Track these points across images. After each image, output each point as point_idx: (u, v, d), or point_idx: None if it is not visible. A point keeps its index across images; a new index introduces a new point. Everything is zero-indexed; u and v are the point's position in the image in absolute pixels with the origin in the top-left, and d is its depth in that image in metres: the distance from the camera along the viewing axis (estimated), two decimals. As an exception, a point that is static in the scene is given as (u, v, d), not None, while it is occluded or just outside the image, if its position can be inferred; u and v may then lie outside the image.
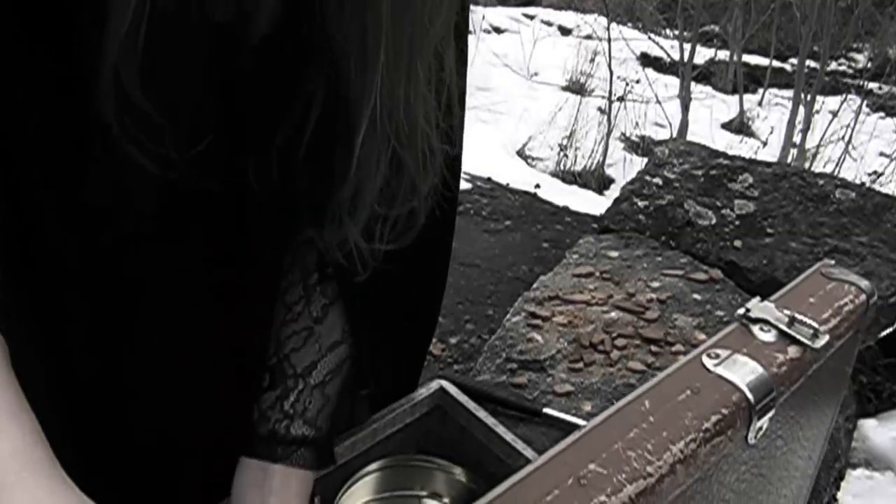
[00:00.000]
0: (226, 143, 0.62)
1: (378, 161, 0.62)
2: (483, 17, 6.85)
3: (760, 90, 6.26)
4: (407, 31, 0.58)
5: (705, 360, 0.55)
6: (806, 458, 0.68)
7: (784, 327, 0.58)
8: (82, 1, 0.54)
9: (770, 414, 0.53)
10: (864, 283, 0.67)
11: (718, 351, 0.56)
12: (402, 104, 0.60)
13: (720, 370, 0.54)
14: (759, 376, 0.53)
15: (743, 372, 0.53)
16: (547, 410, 1.48)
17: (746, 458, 0.55)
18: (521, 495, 0.41)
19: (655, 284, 2.05)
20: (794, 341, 0.58)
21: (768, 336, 0.58)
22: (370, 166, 0.62)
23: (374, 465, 0.84)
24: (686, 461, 0.46)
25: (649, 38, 5.72)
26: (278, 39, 0.60)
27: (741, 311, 0.60)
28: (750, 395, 0.52)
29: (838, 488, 1.97)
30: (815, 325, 0.59)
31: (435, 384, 0.90)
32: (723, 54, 6.57)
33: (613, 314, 1.89)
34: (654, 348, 1.78)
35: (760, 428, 0.53)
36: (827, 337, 0.59)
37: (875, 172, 4.65)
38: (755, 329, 0.59)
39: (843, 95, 5.13)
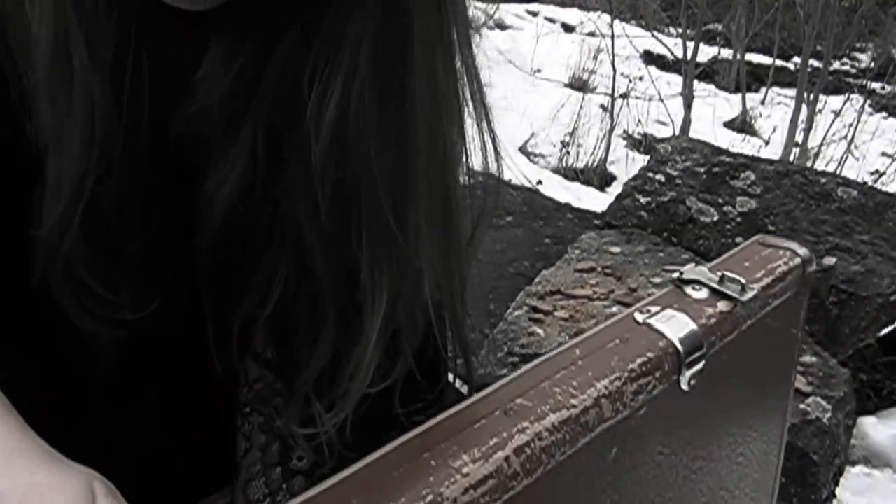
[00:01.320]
0: (181, 305, 0.58)
1: (361, 349, 0.56)
2: (486, 14, 6.84)
3: (763, 89, 6.25)
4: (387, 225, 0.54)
5: (637, 315, 0.57)
6: (763, 420, 0.69)
7: (714, 285, 0.60)
8: (22, 183, 0.52)
9: (702, 363, 0.55)
10: (802, 250, 0.68)
11: (650, 308, 0.58)
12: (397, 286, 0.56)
13: (649, 321, 0.56)
14: (686, 326, 0.55)
15: (671, 323, 0.55)
16: (548, 403, 1.49)
17: (685, 406, 0.56)
18: (452, 425, 0.43)
19: (657, 280, 2.06)
20: (724, 297, 0.59)
21: (699, 294, 0.60)
22: (346, 349, 0.57)
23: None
24: (611, 397, 0.48)
25: (652, 35, 5.71)
26: (237, 218, 0.57)
27: (675, 274, 0.62)
28: (677, 343, 0.54)
29: (837, 484, 1.97)
30: (742, 280, 0.60)
31: (438, 375, 0.91)
32: (726, 53, 6.56)
33: (615, 309, 1.89)
34: (655, 343, 1.79)
35: (693, 376, 0.54)
36: (755, 291, 0.60)
37: (877, 171, 4.65)
38: (687, 289, 0.60)
39: (846, 95, 5.13)
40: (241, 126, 0.55)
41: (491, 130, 0.60)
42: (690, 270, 0.62)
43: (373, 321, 0.56)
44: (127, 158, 0.53)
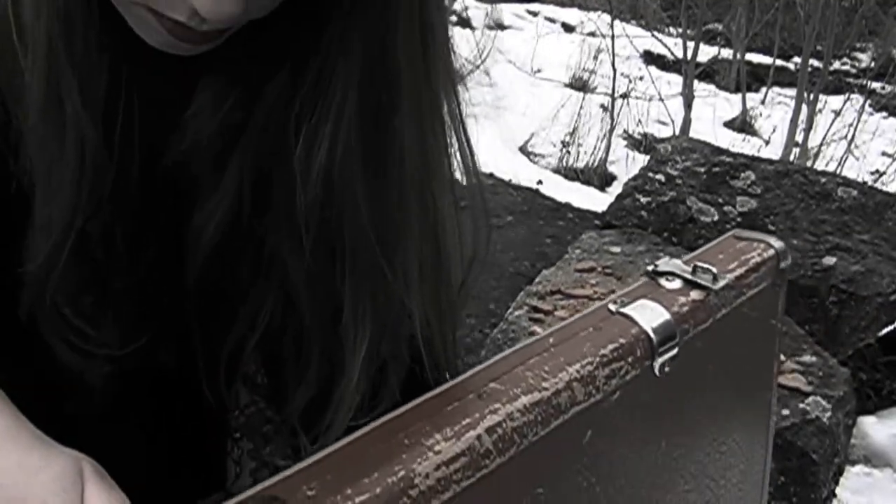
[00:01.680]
0: (170, 339, 0.59)
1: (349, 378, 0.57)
2: (487, 14, 6.85)
3: (763, 89, 6.26)
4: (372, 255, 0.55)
5: (610, 305, 0.58)
6: (747, 410, 0.70)
7: (688, 276, 0.61)
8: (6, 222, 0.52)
9: (675, 350, 0.56)
10: (777, 243, 0.69)
11: (624, 299, 0.59)
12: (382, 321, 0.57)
13: (623, 311, 0.57)
14: (659, 314, 0.56)
15: (644, 312, 0.56)
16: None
17: (662, 392, 0.57)
18: (426, 408, 0.45)
19: (657, 280, 2.07)
20: (697, 286, 0.60)
21: (673, 285, 0.61)
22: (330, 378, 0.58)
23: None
24: (583, 380, 0.50)
25: (653, 35, 5.72)
26: (224, 252, 0.58)
27: (650, 267, 0.63)
28: (649, 330, 0.55)
29: (837, 484, 1.98)
30: (714, 270, 0.61)
31: (438, 374, 0.91)
32: (726, 52, 6.57)
33: (615, 309, 1.90)
34: (655, 343, 1.80)
35: (667, 362, 0.55)
36: (727, 280, 0.62)
37: (877, 171, 4.66)
38: (661, 280, 0.61)
39: (846, 95, 5.14)
40: (228, 163, 0.56)
41: (479, 181, 0.60)
42: (664, 263, 0.63)
43: (355, 358, 0.56)
44: (116, 197, 0.54)
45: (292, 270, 0.56)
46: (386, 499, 0.38)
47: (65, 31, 0.49)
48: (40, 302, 0.53)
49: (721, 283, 0.61)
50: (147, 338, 0.56)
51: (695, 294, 0.60)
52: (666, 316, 0.56)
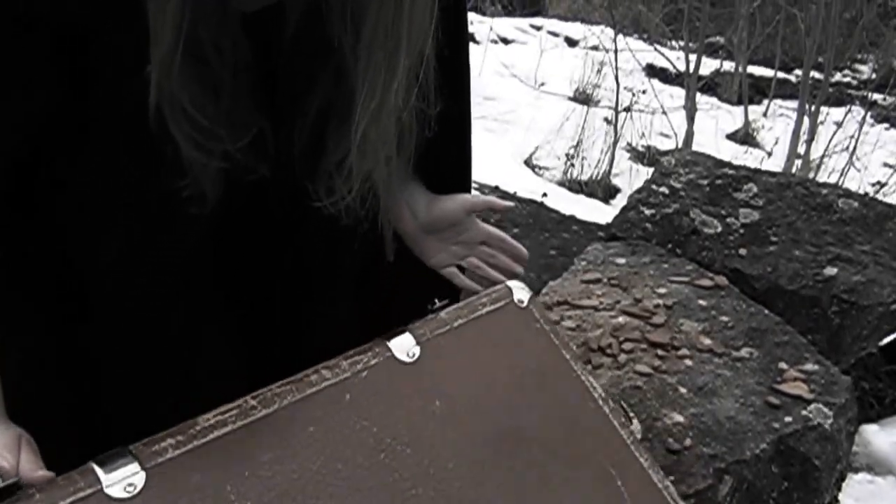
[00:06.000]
0: (270, 130, 0.72)
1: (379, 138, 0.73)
2: (491, 28, 6.91)
3: (765, 101, 6.30)
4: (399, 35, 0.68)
5: None
6: (554, 389, 0.86)
7: (431, 307, 0.86)
8: (124, 32, 0.62)
9: (411, 342, 0.79)
10: (513, 283, 0.94)
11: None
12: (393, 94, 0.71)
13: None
14: (399, 330, 0.80)
15: (393, 334, 0.80)
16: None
17: (416, 375, 0.78)
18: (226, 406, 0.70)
19: (662, 290, 2.10)
20: (436, 310, 0.85)
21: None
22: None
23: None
24: (330, 368, 0.74)
25: (655, 49, 5.77)
26: (304, 36, 0.70)
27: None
28: (385, 338, 0.79)
29: (840, 490, 2.01)
30: (448, 301, 0.87)
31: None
32: (728, 65, 6.62)
33: (621, 319, 1.94)
34: (660, 352, 1.83)
35: (409, 352, 0.79)
36: (458, 304, 0.87)
37: (878, 183, 4.69)
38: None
39: (848, 106, 5.17)
40: None
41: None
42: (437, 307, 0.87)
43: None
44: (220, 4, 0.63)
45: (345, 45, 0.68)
46: (184, 434, 0.64)
47: None
48: (164, 96, 0.63)
49: (452, 306, 0.85)
50: (252, 135, 0.70)
51: (431, 315, 0.83)
52: (402, 328, 0.80)
